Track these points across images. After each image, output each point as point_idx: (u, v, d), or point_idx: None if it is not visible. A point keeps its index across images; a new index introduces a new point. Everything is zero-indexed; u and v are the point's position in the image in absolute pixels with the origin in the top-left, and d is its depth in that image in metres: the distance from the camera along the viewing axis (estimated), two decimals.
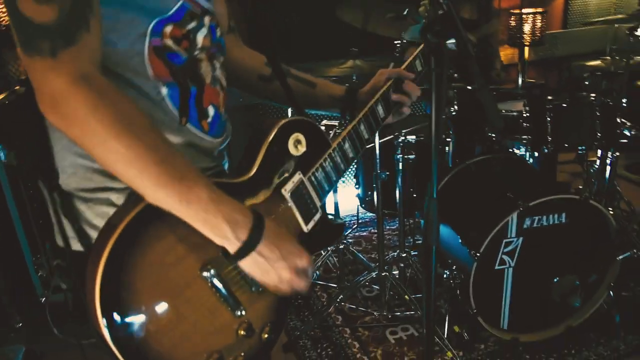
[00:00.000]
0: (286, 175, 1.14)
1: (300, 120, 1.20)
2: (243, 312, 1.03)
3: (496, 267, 2.51)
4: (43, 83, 0.82)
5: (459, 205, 2.81)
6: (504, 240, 2.48)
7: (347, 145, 1.30)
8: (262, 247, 0.94)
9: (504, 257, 2.51)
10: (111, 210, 0.95)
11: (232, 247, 0.93)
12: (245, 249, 0.93)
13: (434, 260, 1.37)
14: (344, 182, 4.30)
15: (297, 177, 1.16)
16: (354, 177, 3.58)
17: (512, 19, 4.29)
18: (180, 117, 1.04)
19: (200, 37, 1.05)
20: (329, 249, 3.46)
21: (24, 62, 0.83)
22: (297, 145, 1.16)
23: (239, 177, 1.08)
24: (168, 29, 0.98)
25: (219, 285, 0.98)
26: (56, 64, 0.81)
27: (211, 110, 1.10)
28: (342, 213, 4.05)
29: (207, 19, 1.06)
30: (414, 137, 3.00)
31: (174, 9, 0.98)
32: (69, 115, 0.81)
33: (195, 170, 0.91)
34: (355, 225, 4.03)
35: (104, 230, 0.90)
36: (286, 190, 1.13)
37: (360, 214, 3.99)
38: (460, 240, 2.57)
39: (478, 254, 2.41)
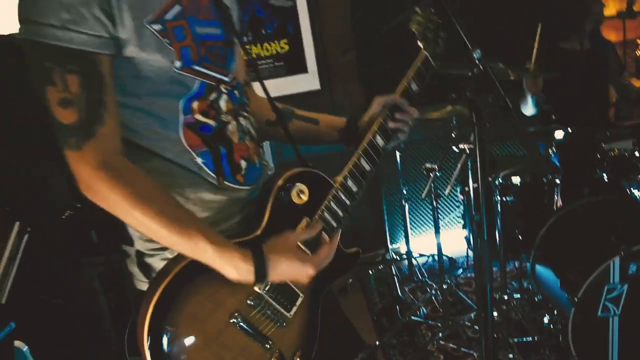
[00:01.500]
0: (294, 223, 1.28)
1: (299, 172, 1.31)
2: (273, 345, 1.21)
3: (599, 314, 2.41)
4: (76, 171, 1.04)
5: (562, 248, 2.74)
6: (606, 287, 2.38)
7: (349, 182, 1.36)
8: (272, 258, 1.14)
9: (607, 304, 2.40)
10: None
11: (250, 277, 1.12)
12: (260, 272, 1.13)
13: (489, 299, 1.44)
14: (452, 224, 4.34)
15: (304, 222, 1.29)
16: (462, 219, 3.61)
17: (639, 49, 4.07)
18: (217, 178, 1.22)
19: (222, 103, 1.22)
20: (435, 287, 3.52)
21: (64, 155, 1.05)
22: (300, 195, 1.28)
23: (250, 234, 1.22)
24: (195, 104, 1.16)
25: (247, 327, 1.17)
26: (82, 154, 1.02)
27: (243, 164, 1.28)
28: (453, 254, 4.08)
29: (223, 87, 1.22)
30: (518, 178, 3.00)
31: (195, 87, 1.15)
32: (98, 194, 1.04)
33: (200, 227, 1.10)
34: (466, 267, 4.01)
35: (151, 283, 1.15)
36: None
37: (470, 255, 3.98)
38: (559, 284, 2.51)
39: (576, 299, 2.35)
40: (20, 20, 1.01)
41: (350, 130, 1.56)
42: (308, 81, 4.03)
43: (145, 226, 1.06)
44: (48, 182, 3.61)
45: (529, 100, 3.28)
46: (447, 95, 3.09)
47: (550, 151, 3.09)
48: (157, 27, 1.07)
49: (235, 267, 1.10)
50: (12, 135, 3.55)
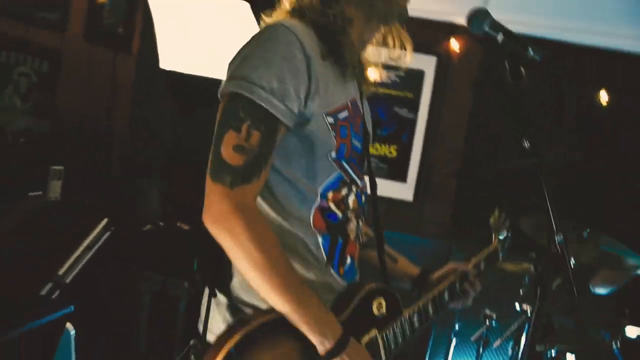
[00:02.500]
0: (364, 329, 1.36)
1: (385, 288, 1.43)
2: None
3: None
4: (215, 203, 1.12)
5: None
6: None
7: (415, 318, 1.49)
8: (351, 350, 1.21)
9: None
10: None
11: (323, 348, 1.19)
12: (335, 351, 1.19)
13: None
14: None
15: (373, 332, 1.37)
16: None
17: None
18: (327, 262, 1.32)
19: (350, 201, 1.34)
20: None
21: (207, 184, 1.14)
22: (379, 308, 1.38)
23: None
24: (330, 194, 1.29)
25: None
26: (231, 193, 1.12)
27: (348, 260, 1.39)
28: None
29: (354, 187, 1.35)
30: (573, 357, 2.90)
31: (333, 177, 1.28)
32: (225, 229, 1.11)
33: (310, 287, 1.21)
34: None
35: (230, 328, 1.20)
36: (362, 341, 1.34)
37: None
38: None
39: None
40: (234, 77, 1.17)
41: (422, 280, 1.71)
42: (403, 191, 4.17)
43: (257, 271, 1.13)
44: (142, 195, 3.94)
45: (602, 289, 3.20)
46: (528, 252, 3.09)
47: (614, 344, 2.96)
48: (331, 120, 1.25)
49: (325, 330, 1.18)
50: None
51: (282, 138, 1.19)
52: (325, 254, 1.32)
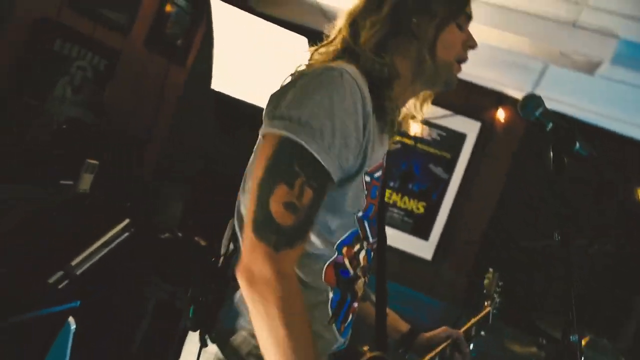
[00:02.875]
0: None
1: (380, 356, 1.35)
2: None
3: None
4: (255, 261, 1.02)
5: None
6: None
7: None
8: None
9: None
10: None
11: None
12: None
13: None
14: None
15: None
16: None
17: None
18: (332, 317, 1.23)
19: (361, 257, 1.27)
20: None
21: (248, 238, 1.04)
22: None
23: None
24: (344, 249, 1.20)
25: None
26: (276, 255, 1.02)
27: (350, 317, 1.33)
28: None
29: (365, 243, 1.26)
30: None
31: (349, 232, 1.20)
32: (260, 296, 1.03)
33: None
34: None
35: None
36: None
37: None
38: None
39: None
40: (289, 118, 1.05)
41: (409, 338, 1.64)
42: (423, 248, 4.13)
43: (276, 348, 1.05)
44: (167, 203, 3.99)
45: None
46: (538, 337, 3.02)
47: None
48: (367, 179, 1.17)
49: None
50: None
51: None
52: (332, 310, 1.24)
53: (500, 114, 4.13)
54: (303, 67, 1.22)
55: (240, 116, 2.67)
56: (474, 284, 4.11)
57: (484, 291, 1.89)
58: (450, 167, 4.12)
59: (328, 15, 3.92)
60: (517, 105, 1.37)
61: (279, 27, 3.09)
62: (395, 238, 4.09)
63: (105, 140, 3.33)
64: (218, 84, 2.51)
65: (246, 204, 1.13)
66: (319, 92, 1.07)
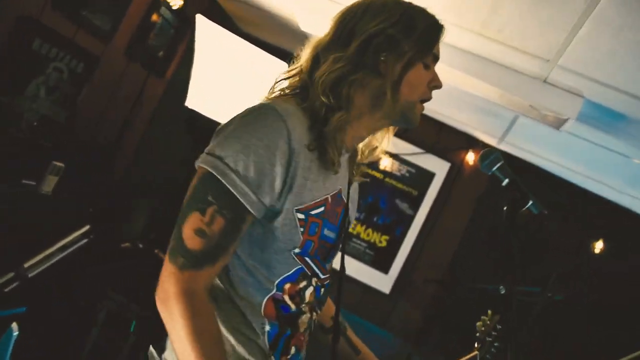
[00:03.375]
0: None
1: None
2: None
3: None
4: (166, 282, 1.10)
5: None
6: None
7: None
8: None
9: None
10: None
11: None
12: None
13: None
14: None
15: None
16: None
17: None
18: (270, 349, 1.24)
19: (307, 294, 1.28)
20: None
21: (165, 259, 1.11)
22: None
23: None
24: (287, 286, 1.22)
25: None
26: (180, 276, 1.09)
27: (293, 350, 1.32)
28: None
29: (314, 280, 1.29)
30: None
31: (293, 271, 1.22)
32: (169, 312, 1.09)
33: None
34: None
35: None
36: None
37: None
38: None
39: None
40: (212, 153, 1.12)
41: None
42: (382, 282, 4.17)
43: (180, 355, 1.10)
44: (132, 212, 3.94)
45: None
46: None
47: None
48: (301, 216, 1.19)
49: None
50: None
51: (247, 227, 1.16)
52: (269, 342, 1.25)
53: (470, 157, 4.23)
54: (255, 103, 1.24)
55: (212, 134, 2.68)
56: (427, 322, 4.15)
57: (477, 334, 1.83)
58: (416, 204, 4.19)
59: None
60: (479, 158, 1.42)
61: (261, 50, 3.12)
62: (357, 269, 4.11)
63: (75, 143, 3.30)
64: (192, 101, 2.52)
65: None
66: (243, 129, 1.13)
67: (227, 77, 2.79)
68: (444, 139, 4.30)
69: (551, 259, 4.13)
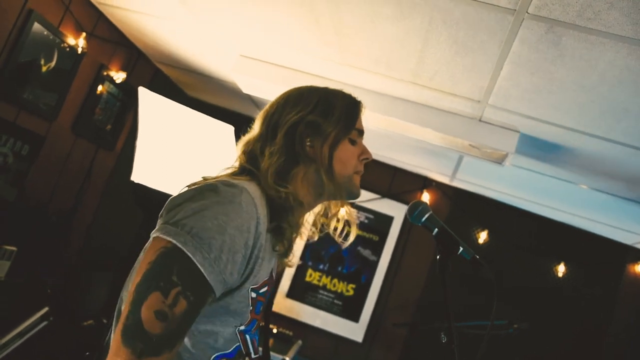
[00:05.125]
0: None
1: None
2: None
3: None
4: None
5: None
6: None
7: None
8: None
9: None
10: None
11: None
12: None
13: None
14: None
15: None
16: None
17: None
18: None
19: None
20: None
21: (115, 340, 1.02)
22: None
23: None
24: None
25: None
26: None
27: None
28: None
29: (247, 359, 1.25)
30: None
31: (233, 347, 1.19)
32: None
33: None
34: None
35: None
36: None
37: None
38: None
39: None
40: (180, 225, 1.06)
41: None
42: (354, 331, 4.13)
43: None
44: (92, 289, 3.86)
45: None
46: None
47: None
48: (254, 295, 1.18)
49: None
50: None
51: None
52: None
53: (425, 197, 4.30)
54: (204, 179, 1.23)
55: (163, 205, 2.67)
56: None
57: None
58: (378, 249, 4.22)
59: (259, 104, 4.07)
60: (407, 211, 1.46)
61: (206, 116, 3.17)
62: (326, 321, 4.08)
63: (26, 223, 3.25)
64: (138, 175, 2.53)
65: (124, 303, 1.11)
66: (216, 207, 1.09)
67: (173, 147, 2.82)
68: (399, 183, 4.38)
69: (518, 290, 4.18)
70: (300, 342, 4.01)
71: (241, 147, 1.35)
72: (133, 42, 3.61)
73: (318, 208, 1.45)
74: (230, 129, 3.28)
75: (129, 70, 3.69)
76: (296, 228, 1.29)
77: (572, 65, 2.04)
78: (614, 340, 4.14)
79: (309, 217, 1.46)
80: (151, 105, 2.91)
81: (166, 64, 3.89)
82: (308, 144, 1.30)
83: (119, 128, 3.80)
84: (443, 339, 1.35)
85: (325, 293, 4.16)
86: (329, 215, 1.47)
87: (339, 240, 1.47)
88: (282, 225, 1.23)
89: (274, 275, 1.32)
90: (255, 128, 1.37)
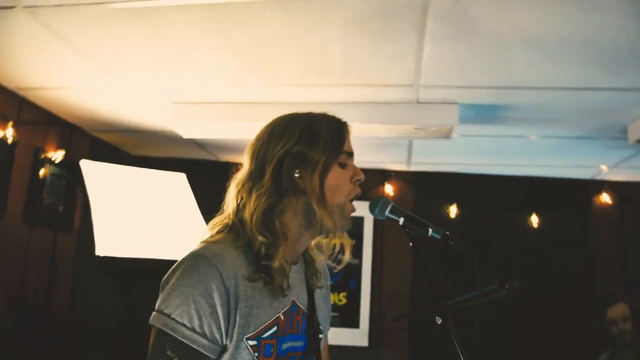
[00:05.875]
0: None
1: None
2: None
3: None
4: None
5: None
6: None
7: None
8: None
9: None
10: None
11: None
12: None
13: None
14: None
15: None
16: None
17: None
18: None
19: None
20: None
21: None
22: None
23: None
24: None
25: None
26: None
27: None
28: None
29: None
30: None
31: None
32: None
33: None
34: None
35: None
36: None
37: None
38: None
39: None
40: (160, 311, 1.16)
41: None
42: (357, 337, 4.13)
43: None
44: None
45: None
46: None
47: None
48: (253, 342, 1.20)
49: None
50: None
51: None
52: None
53: (388, 189, 4.36)
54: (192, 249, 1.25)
55: (136, 271, 2.63)
56: (415, 356, 4.14)
57: None
58: (358, 252, 4.24)
59: (203, 146, 4.05)
60: (369, 208, 1.46)
61: (154, 170, 3.14)
62: (329, 336, 4.06)
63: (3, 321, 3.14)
64: (103, 248, 2.48)
65: None
66: (180, 282, 1.18)
67: (129, 210, 2.78)
68: (360, 182, 4.41)
69: (499, 251, 4.27)
70: None
71: (233, 188, 1.33)
72: (63, 117, 3.55)
73: (314, 241, 1.43)
74: (182, 176, 3.25)
75: (66, 146, 3.62)
76: (282, 269, 1.26)
77: (486, 28, 2.11)
78: (602, 266, 4.27)
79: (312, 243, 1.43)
80: (97, 175, 2.86)
81: (102, 131, 3.84)
82: (297, 175, 1.28)
83: (71, 206, 3.72)
84: (438, 320, 1.37)
85: None
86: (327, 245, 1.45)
87: (333, 265, 1.47)
88: (269, 272, 1.23)
89: (300, 305, 1.33)
90: (245, 165, 1.35)
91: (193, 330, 1.14)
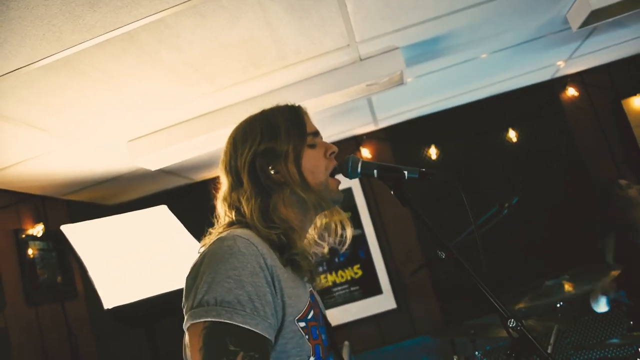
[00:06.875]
0: None
1: None
2: None
3: None
4: None
5: None
6: None
7: None
8: None
9: None
10: None
11: None
12: None
13: None
14: None
15: None
16: None
17: None
18: None
19: None
20: None
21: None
22: None
23: None
24: None
25: None
26: None
27: None
28: None
29: None
30: None
31: None
32: None
33: None
34: None
35: None
36: None
37: None
38: None
39: None
40: (206, 304, 1.06)
41: None
42: (384, 301, 4.16)
43: None
44: None
45: (602, 299, 3.22)
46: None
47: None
48: (303, 324, 1.17)
49: None
50: None
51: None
52: None
53: (364, 152, 4.36)
54: (201, 248, 1.24)
55: (150, 310, 2.62)
56: (445, 308, 4.16)
57: None
58: (357, 222, 4.25)
59: (174, 172, 4.02)
60: (340, 170, 1.46)
61: (135, 212, 3.12)
62: (356, 310, 4.10)
63: None
64: (109, 301, 2.47)
65: None
66: (221, 266, 1.10)
67: (123, 257, 2.77)
68: (337, 155, 4.41)
69: (489, 175, 4.30)
70: (346, 342, 4.01)
71: (221, 204, 1.36)
72: (30, 192, 3.50)
73: (318, 223, 1.47)
74: (163, 208, 3.24)
75: (42, 219, 3.59)
76: (305, 254, 1.30)
77: None
78: (593, 156, 4.32)
79: (314, 235, 1.48)
80: (82, 235, 2.85)
81: (73, 192, 3.80)
82: (272, 171, 1.32)
83: (69, 274, 3.69)
84: (441, 255, 1.38)
85: (339, 288, 4.17)
86: (328, 227, 1.49)
87: (340, 247, 1.49)
88: (293, 258, 1.25)
89: (317, 299, 1.34)
90: (223, 181, 1.38)
91: (254, 312, 1.07)
